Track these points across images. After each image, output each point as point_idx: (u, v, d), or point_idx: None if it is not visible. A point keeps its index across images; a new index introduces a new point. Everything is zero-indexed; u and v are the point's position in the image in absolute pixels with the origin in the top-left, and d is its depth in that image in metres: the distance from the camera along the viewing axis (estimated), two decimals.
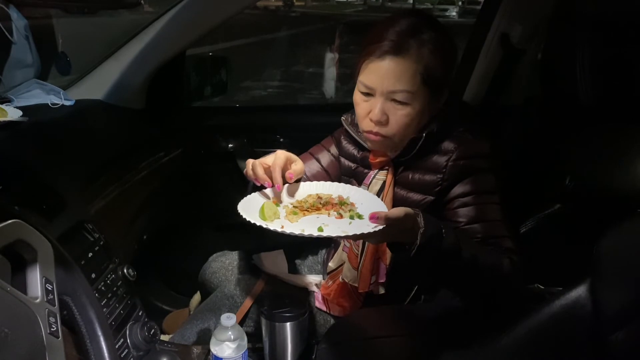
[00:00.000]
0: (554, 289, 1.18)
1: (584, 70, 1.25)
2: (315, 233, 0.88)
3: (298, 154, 1.87)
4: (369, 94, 1.11)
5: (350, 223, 0.96)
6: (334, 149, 1.35)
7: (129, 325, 1.00)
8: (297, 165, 1.10)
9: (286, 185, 1.07)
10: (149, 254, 1.67)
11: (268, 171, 1.05)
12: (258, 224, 0.90)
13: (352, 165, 1.29)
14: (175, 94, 1.79)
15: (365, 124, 1.13)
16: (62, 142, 1.27)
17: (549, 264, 1.26)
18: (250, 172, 1.06)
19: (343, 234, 0.88)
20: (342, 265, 1.26)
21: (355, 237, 0.91)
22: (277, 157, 1.06)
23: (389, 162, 1.18)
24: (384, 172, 1.19)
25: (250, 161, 1.07)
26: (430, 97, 1.10)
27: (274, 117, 2.04)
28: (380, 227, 0.88)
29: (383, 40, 1.07)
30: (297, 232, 0.87)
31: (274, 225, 0.91)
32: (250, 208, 0.97)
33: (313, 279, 1.39)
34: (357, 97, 1.14)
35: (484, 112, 1.81)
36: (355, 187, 1.11)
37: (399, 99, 1.07)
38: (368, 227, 0.89)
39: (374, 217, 0.89)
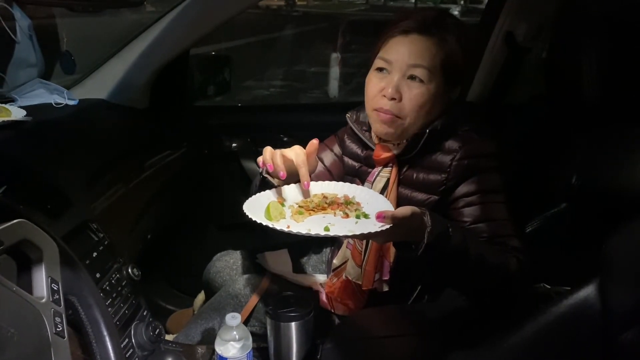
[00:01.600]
0: (561, 289, 1.17)
1: (590, 68, 1.24)
2: (322, 233, 0.87)
3: None
4: (385, 70, 1.11)
5: (356, 222, 0.95)
6: (337, 149, 1.34)
7: (133, 325, 1.00)
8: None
9: (292, 185, 1.06)
10: (153, 253, 1.67)
11: (287, 162, 1.02)
12: (264, 224, 0.90)
13: (356, 164, 1.28)
14: (179, 93, 1.79)
15: (377, 101, 1.12)
16: (66, 141, 1.27)
17: (555, 263, 1.25)
18: (267, 159, 1.02)
19: (350, 234, 0.87)
20: (345, 262, 1.26)
21: (362, 237, 0.91)
22: (298, 155, 1.02)
23: (393, 159, 1.17)
24: (388, 169, 1.18)
25: (268, 149, 1.04)
26: (445, 86, 1.11)
27: (278, 116, 2.04)
28: (387, 226, 0.87)
29: (408, 19, 1.10)
30: (303, 231, 0.86)
31: (280, 225, 0.90)
32: (255, 208, 0.96)
33: (317, 279, 1.39)
34: (371, 75, 1.14)
35: (489, 111, 1.80)
36: (360, 187, 1.10)
37: (417, 74, 1.08)
38: (375, 226, 0.89)
39: (380, 217, 0.88)
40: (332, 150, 1.35)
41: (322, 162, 1.33)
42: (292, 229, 0.89)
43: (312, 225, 0.92)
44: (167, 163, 1.65)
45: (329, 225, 0.92)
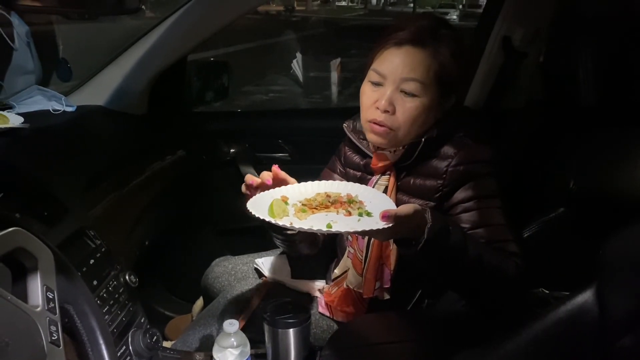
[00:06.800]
0: (559, 293, 1.17)
1: (586, 72, 1.25)
2: (325, 229, 0.88)
3: (300, 158, 1.88)
4: (379, 84, 1.11)
5: (359, 220, 0.95)
6: (339, 167, 1.34)
7: (131, 332, 1.00)
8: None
9: (295, 185, 1.06)
10: (151, 260, 1.67)
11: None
12: (268, 220, 0.90)
13: (358, 173, 1.28)
14: (177, 99, 1.79)
15: (370, 113, 1.12)
16: (63, 148, 1.27)
17: (553, 268, 1.25)
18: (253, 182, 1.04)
19: (352, 230, 0.89)
20: (346, 271, 1.26)
21: (364, 233, 0.92)
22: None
23: (391, 167, 1.18)
24: (386, 177, 1.18)
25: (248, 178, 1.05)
26: (439, 97, 1.11)
27: (276, 121, 2.04)
28: (390, 224, 0.89)
29: (402, 30, 1.09)
30: (306, 227, 0.87)
31: (283, 222, 0.91)
32: (259, 206, 0.96)
33: (316, 284, 1.39)
34: (366, 87, 1.14)
35: (486, 116, 1.80)
36: (363, 186, 1.10)
37: (410, 88, 1.08)
38: (377, 224, 0.90)
39: (385, 216, 0.89)
40: (335, 172, 1.34)
41: None
42: (295, 225, 0.89)
43: (314, 223, 0.92)
44: (165, 169, 1.65)
45: (331, 222, 0.92)
